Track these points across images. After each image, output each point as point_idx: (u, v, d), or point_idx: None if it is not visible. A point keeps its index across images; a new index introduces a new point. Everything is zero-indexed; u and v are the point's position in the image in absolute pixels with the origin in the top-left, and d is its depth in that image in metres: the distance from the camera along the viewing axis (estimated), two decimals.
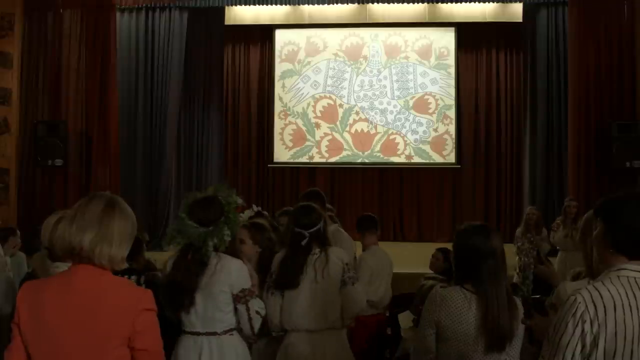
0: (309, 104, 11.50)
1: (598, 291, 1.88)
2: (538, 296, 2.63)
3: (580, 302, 1.87)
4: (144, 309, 1.99)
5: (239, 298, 3.03)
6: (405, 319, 4.35)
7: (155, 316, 2.05)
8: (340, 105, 11.45)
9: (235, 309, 3.05)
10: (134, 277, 3.64)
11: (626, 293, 1.87)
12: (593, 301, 1.86)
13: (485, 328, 2.52)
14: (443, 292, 2.64)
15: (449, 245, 3.45)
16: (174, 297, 3.02)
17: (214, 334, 3.04)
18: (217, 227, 3.08)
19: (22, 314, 1.98)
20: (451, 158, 11.29)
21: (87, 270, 2.00)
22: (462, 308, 2.56)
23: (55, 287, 2.01)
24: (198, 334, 3.04)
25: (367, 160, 11.36)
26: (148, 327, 2.01)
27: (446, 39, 11.31)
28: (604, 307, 1.85)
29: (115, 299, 1.99)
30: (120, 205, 2.08)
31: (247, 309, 3.03)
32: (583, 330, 1.85)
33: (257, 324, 3.07)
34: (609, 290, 1.87)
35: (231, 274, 3.02)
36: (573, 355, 1.86)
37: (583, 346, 1.85)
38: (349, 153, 11.39)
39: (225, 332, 3.05)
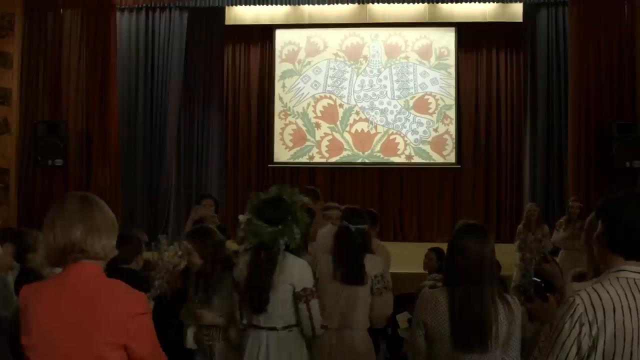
0: (309, 104, 11.50)
1: (597, 293, 1.88)
2: (539, 280, 2.65)
3: (578, 304, 1.87)
4: (137, 314, 1.97)
5: (301, 297, 3.14)
6: (403, 319, 4.37)
7: (149, 319, 2.03)
8: (341, 105, 11.45)
9: (296, 307, 3.15)
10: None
11: (625, 295, 1.87)
12: (592, 304, 1.86)
13: (452, 326, 2.55)
14: (429, 294, 2.67)
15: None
16: (253, 297, 3.13)
17: (274, 329, 3.15)
18: (286, 226, 3.18)
19: (22, 317, 1.98)
20: (451, 158, 11.29)
21: (81, 270, 1.99)
22: (447, 309, 2.57)
23: (51, 289, 2.00)
24: (260, 328, 3.16)
25: (367, 160, 11.36)
26: (143, 332, 1.99)
27: (446, 39, 11.31)
28: (603, 309, 1.85)
29: (108, 302, 1.96)
30: (96, 199, 2.08)
31: (309, 308, 3.15)
32: (580, 332, 1.85)
33: (318, 324, 3.20)
34: (608, 292, 1.87)
35: (295, 272, 3.16)
36: (567, 356, 1.86)
37: (578, 348, 1.85)
38: (349, 153, 11.39)
39: (284, 328, 3.16)
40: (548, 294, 2.60)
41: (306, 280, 3.18)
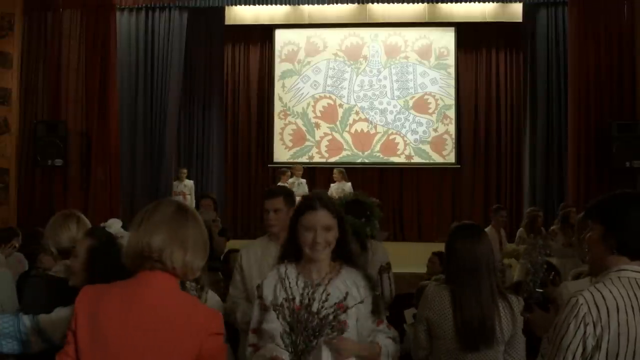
0: (308, 104, 11.51)
1: (600, 293, 1.87)
2: (541, 290, 2.63)
3: (582, 304, 1.86)
4: (213, 333, 1.81)
5: (384, 270, 3.89)
6: (409, 314, 4.41)
7: (222, 340, 1.86)
8: (340, 105, 11.45)
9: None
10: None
11: (628, 294, 1.86)
12: (595, 303, 1.85)
13: (456, 326, 2.56)
14: (435, 289, 2.70)
15: None
16: None
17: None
18: (368, 219, 4.05)
19: (81, 321, 1.79)
20: (451, 158, 11.29)
21: (153, 280, 1.82)
22: (450, 307, 2.60)
23: (119, 297, 1.81)
24: None
25: (367, 160, 11.36)
26: (215, 353, 1.81)
27: (446, 39, 11.32)
28: (607, 309, 1.84)
29: (183, 320, 1.79)
30: (193, 212, 1.92)
31: (389, 278, 3.94)
32: (585, 333, 1.84)
33: (393, 292, 3.95)
34: (611, 292, 1.87)
35: (380, 252, 3.97)
36: (574, 357, 1.85)
37: (584, 348, 1.84)
38: (349, 153, 11.39)
39: None
40: (549, 305, 2.59)
41: (386, 257, 3.99)
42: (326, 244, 2.26)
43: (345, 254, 2.35)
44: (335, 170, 10.38)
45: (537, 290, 2.60)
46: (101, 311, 1.78)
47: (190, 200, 10.30)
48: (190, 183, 10.43)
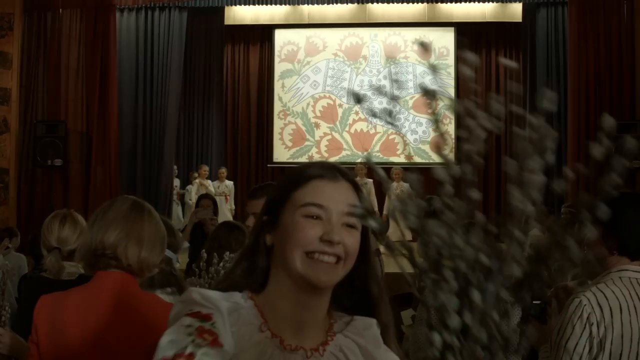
0: (308, 104, 11.50)
1: (602, 293, 1.86)
2: (538, 302, 2.61)
3: (585, 304, 1.84)
4: None
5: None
6: (407, 315, 4.39)
7: None
8: (340, 105, 11.45)
9: None
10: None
11: (630, 294, 1.86)
12: (598, 303, 1.84)
13: None
14: None
15: None
16: None
17: None
18: None
19: (41, 331, 1.74)
20: (451, 158, 11.29)
21: (112, 280, 1.76)
22: None
23: (77, 302, 1.76)
24: None
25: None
26: None
27: (446, 39, 11.32)
28: (610, 309, 1.83)
29: (144, 317, 1.74)
30: (149, 208, 1.88)
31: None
32: (590, 333, 1.82)
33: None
34: (613, 292, 1.86)
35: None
36: (580, 358, 1.83)
37: (590, 348, 1.83)
38: (349, 153, 11.39)
39: None
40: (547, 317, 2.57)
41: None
42: (343, 252, 1.07)
43: (355, 300, 1.16)
44: (395, 169, 9.42)
45: (535, 302, 2.57)
46: (61, 320, 1.73)
47: (230, 202, 10.20)
48: (230, 184, 10.30)
